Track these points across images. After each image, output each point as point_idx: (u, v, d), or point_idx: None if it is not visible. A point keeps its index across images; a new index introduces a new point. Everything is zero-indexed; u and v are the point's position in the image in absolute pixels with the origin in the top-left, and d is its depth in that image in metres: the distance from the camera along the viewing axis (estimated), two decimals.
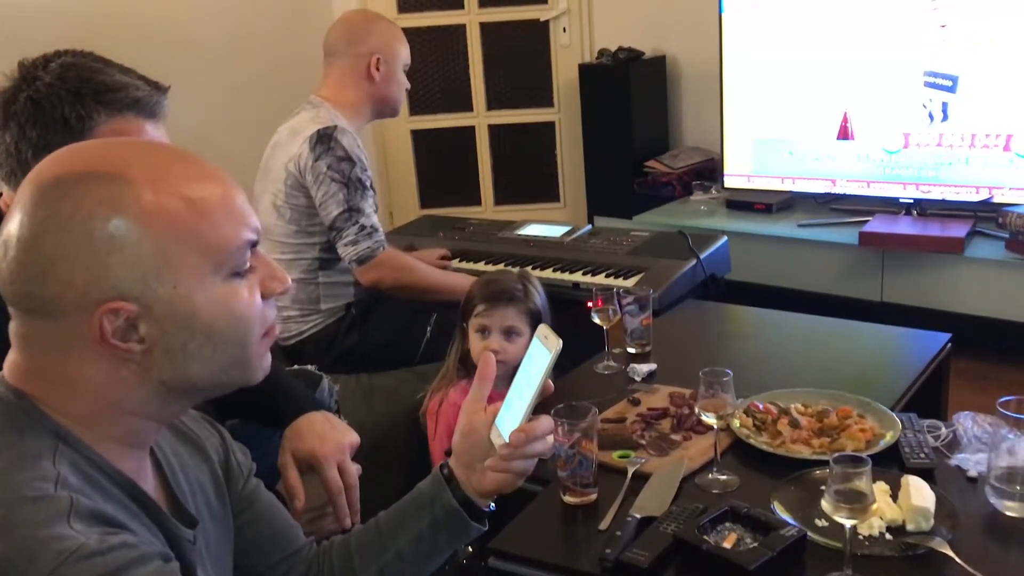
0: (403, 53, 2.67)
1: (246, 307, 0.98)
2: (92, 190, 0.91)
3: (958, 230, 3.38)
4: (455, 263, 2.99)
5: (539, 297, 2.15)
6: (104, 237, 0.90)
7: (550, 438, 1.19)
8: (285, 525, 1.27)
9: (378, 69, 2.59)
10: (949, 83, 3.42)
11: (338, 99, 2.59)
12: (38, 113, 1.35)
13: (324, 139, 2.45)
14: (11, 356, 0.97)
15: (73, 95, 1.34)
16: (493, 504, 1.24)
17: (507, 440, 1.15)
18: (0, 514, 0.84)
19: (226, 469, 1.19)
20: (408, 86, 2.72)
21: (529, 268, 2.90)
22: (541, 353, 1.18)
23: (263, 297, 1.01)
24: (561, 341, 1.15)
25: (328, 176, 2.43)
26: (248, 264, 0.99)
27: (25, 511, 0.84)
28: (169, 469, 1.07)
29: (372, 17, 2.78)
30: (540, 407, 1.19)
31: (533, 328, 2.10)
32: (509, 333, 2.09)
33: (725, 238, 3.04)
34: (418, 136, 4.79)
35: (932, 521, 1.41)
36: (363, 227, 2.46)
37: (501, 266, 2.96)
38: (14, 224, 0.92)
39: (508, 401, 1.20)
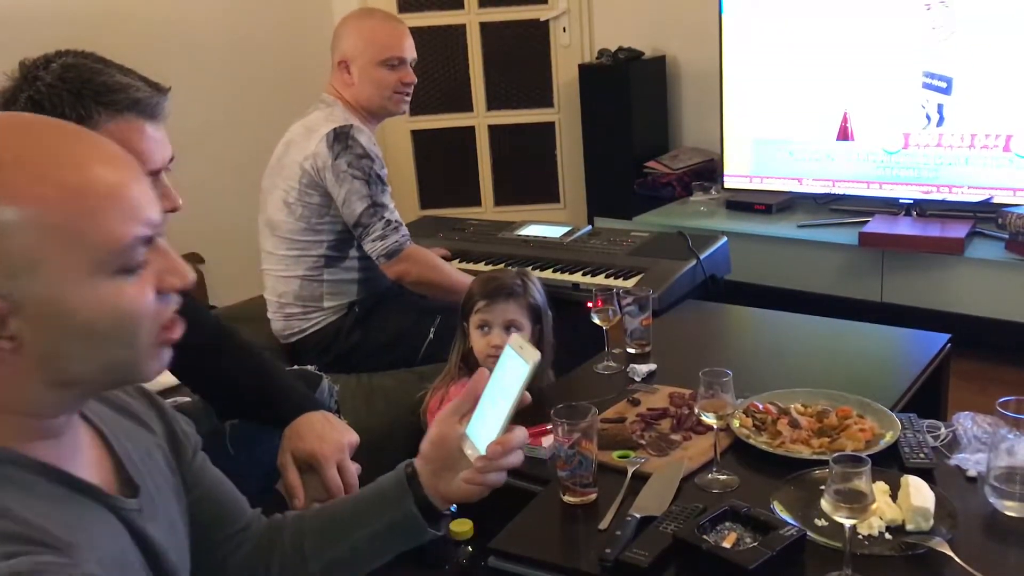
0: (372, 50, 2.55)
1: (133, 306, 0.91)
2: None
3: (958, 231, 3.38)
4: (455, 263, 2.99)
5: (538, 292, 2.15)
6: None
7: (521, 452, 1.16)
8: (233, 501, 1.25)
9: (348, 73, 2.57)
10: (944, 84, 3.42)
11: (345, 99, 2.60)
12: (38, 113, 1.35)
13: (341, 137, 2.45)
14: None
15: (73, 95, 1.34)
16: (454, 506, 1.23)
17: (482, 452, 1.13)
18: None
19: (172, 441, 1.16)
20: (408, 80, 2.61)
21: (529, 268, 2.90)
22: (517, 364, 1.14)
23: (159, 292, 0.93)
24: (539, 353, 1.12)
25: (349, 174, 2.44)
26: (141, 259, 0.91)
27: None
28: (113, 437, 1.05)
29: (346, 19, 2.69)
30: (517, 416, 1.16)
31: (534, 323, 2.12)
32: (510, 328, 2.09)
33: (725, 239, 3.04)
34: (418, 136, 4.79)
35: (932, 521, 1.41)
36: (388, 222, 2.48)
37: (501, 266, 2.96)
38: None
39: (480, 411, 1.17)
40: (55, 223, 0.86)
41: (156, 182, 1.43)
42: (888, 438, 1.68)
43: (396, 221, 2.50)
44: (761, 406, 1.81)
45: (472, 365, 2.10)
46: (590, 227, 3.32)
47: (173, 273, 0.94)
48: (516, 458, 1.15)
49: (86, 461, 0.99)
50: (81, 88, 1.35)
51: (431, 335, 2.53)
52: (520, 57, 4.67)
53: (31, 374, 0.89)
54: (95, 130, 1.35)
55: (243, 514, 1.25)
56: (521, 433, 1.15)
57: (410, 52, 2.62)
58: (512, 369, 1.15)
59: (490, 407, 1.16)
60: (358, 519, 1.22)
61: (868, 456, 1.33)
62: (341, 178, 2.44)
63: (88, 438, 1.02)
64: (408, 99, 2.66)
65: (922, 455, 1.63)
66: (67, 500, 0.92)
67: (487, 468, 1.14)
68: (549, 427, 1.73)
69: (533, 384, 2.24)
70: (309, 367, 2.00)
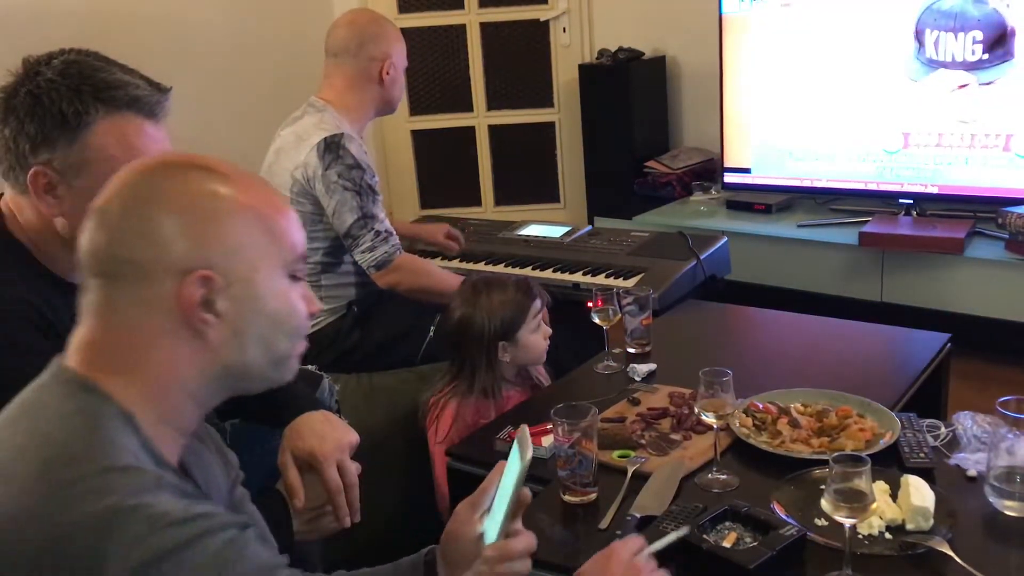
0: (405, 56, 2.68)
1: (297, 305, 1.07)
2: (195, 175, 1.02)
3: (958, 230, 3.38)
4: (455, 263, 2.99)
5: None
6: (206, 204, 1.00)
7: (528, 561, 1.16)
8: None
9: (388, 73, 2.59)
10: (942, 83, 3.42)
11: (341, 102, 2.58)
12: (36, 107, 1.35)
13: (332, 147, 2.44)
14: (80, 332, 1.01)
15: (72, 91, 1.35)
16: None
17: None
18: (93, 481, 0.88)
19: (225, 465, 1.20)
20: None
21: (529, 268, 2.91)
22: (515, 462, 1.14)
23: None
24: (532, 449, 1.12)
25: (340, 185, 2.44)
26: (301, 274, 1.09)
27: (115, 479, 0.89)
28: (188, 461, 1.09)
29: (381, 19, 2.74)
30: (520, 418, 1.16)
31: None
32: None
33: (725, 238, 3.04)
34: (418, 136, 4.79)
35: (931, 520, 1.42)
36: (378, 233, 2.47)
37: (501, 267, 2.96)
38: (116, 193, 1.00)
39: (493, 507, 1.17)
40: (266, 222, 1.03)
41: None
42: (888, 438, 1.68)
43: (386, 231, 2.50)
44: (761, 406, 1.82)
45: (496, 391, 2.13)
46: (590, 227, 3.32)
47: (308, 299, 1.10)
48: (523, 566, 1.16)
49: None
50: (80, 84, 1.35)
51: (431, 333, 2.53)
52: (520, 57, 4.67)
53: (219, 356, 1.02)
54: (92, 126, 1.36)
55: None
56: (523, 541, 1.16)
57: None
58: (512, 467, 1.15)
59: (499, 504, 1.16)
60: None
61: (868, 456, 1.33)
62: (331, 189, 2.44)
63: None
64: None
65: (922, 455, 1.63)
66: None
67: (492, 573, 1.14)
68: (549, 427, 1.73)
69: (533, 384, 2.26)
70: (309, 367, 2.00)
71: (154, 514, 0.87)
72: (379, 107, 2.65)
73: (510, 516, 1.12)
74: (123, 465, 0.91)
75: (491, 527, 1.15)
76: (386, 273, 2.50)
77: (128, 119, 1.38)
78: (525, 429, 1.17)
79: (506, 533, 1.13)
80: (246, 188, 1.04)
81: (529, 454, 1.11)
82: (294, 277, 1.07)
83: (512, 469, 1.14)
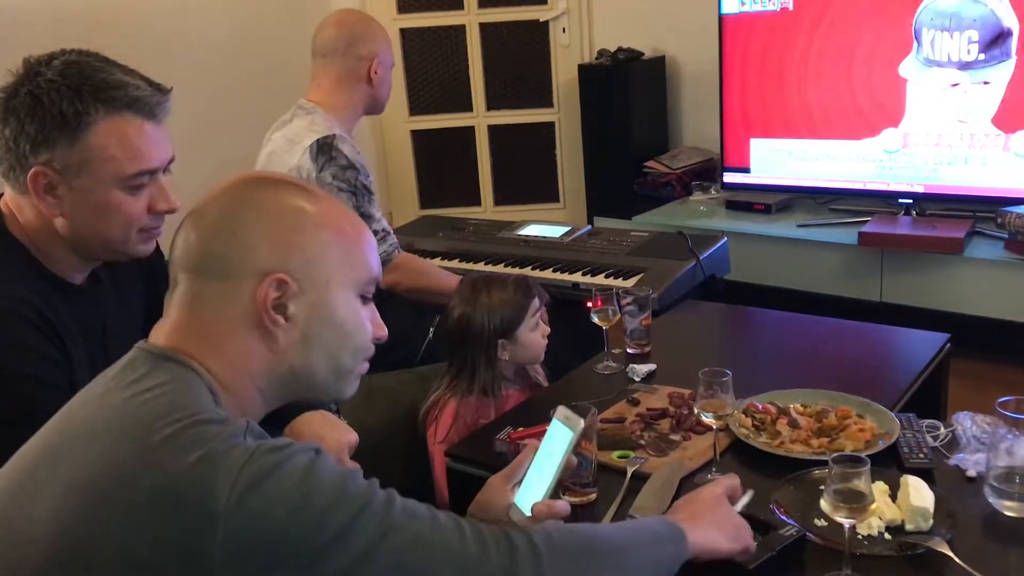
0: (393, 54, 2.69)
1: (364, 326, 1.15)
2: (287, 190, 1.12)
3: (957, 230, 3.38)
4: (455, 263, 2.99)
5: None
6: (293, 216, 1.09)
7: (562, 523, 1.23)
8: None
9: (376, 72, 2.59)
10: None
11: (330, 102, 2.57)
12: (36, 107, 1.35)
13: (325, 149, 2.44)
14: (169, 320, 1.09)
15: (72, 91, 1.35)
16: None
17: (527, 515, 1.21)
18: (192, 431, 0.97)
19: None
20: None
21: (529, 268, 2.91)
22: (563, 433, 1.23)
23: None
24: (582, 420, 1.23)
25: (335, 186, 2.44)
26: (369, 296, 1.16)
27: (210, 429, 0.97)
28: None
29: (368, 19, 2.75)
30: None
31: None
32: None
33: (725, 238, 3.04)
34: (418, 136, 4.79)
35: (931, 521, 1.41)
36: (376, 232, 2.49)
37: (501, 266, 2.96)
38: (213, 200, 1.09)
39: (528, 480, 1.25)
40: (345, 241, 1.12)
41: (154, 183, 1.43)
42: (887, 438, 1.68)
43: (384, 230, 2.51)
44: (760, 406, 1.81)
45: (497, 390, 2.12)
46: (590, 227, 3.32)
47: (378, 325, 1.20)
48: (558, 525, 1.22)
49: None
50: (80, 84, 1.36)
51: (430, 334, 2.53)
52: (520, 57, 4.67)
53: (287, 358, 1.09)
54: (92, 126, 1.36)
55: None
56: (564, 505, 1.27)
57: None
58: (559, 438, 1.24)
59: (537, 476, 1.25)
60: None
61: (867, 456, 1.33)
62: (326, 190, 2.44)
63: None
64: None
65: (921, 455, 1.63)
66: None
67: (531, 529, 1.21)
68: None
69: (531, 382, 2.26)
70: None
71: (249, 447, 0.96)
72: (368, 106, 2.64)
73: (558, 480, 1.22)
74: (216, 417, 1.00)
75: (523, 497, 1.24)
76: (385, 273, 2.49)
77: (128, 119, 1.38)
78: (562, 408, 1.28)
79: (550, 495, 1.23)
80: (332, 209, 1.13)
81: (581, 424, 1.23)
82: (364, 299, 1.15)
83: (558, 439, 1.24)
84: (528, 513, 1.19)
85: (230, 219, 1.08)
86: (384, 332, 1.19)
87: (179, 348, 1.06)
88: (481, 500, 1.29)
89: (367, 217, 2.47)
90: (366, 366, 1.18)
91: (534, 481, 1.24)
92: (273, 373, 1.10)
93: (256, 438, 1.00)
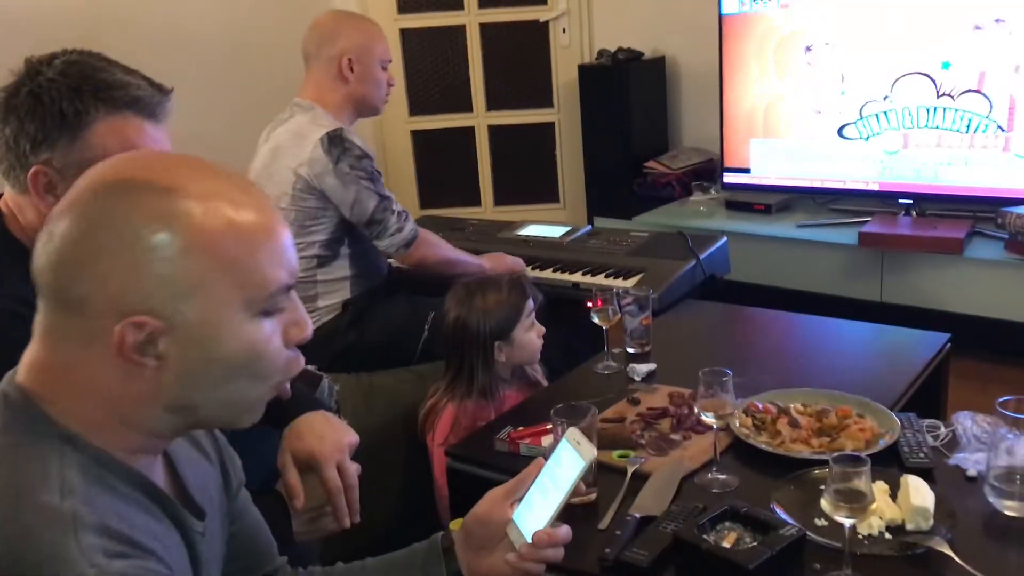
0: (378, 50, 2.62)
1: (269, 349, 0.96)
2: (147, 200, 0.90)
3: (957, 231, 3.38)
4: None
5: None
6: (148, 247, 0.89)
7: (563, 549, 1.19)
8: (266, 544, 1.27)
9: (352, 70, 2.57)
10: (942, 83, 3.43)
11: (322, 102, 2.58)
12: (37, 107, 1.35)
13: (337, 141, 2.45)
14: (31, 350, 0.96)
15: (73, 90, 1.35)
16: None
17: (528, 540, 1.16)
18: (5, 526, 0.84)
19: (223, 473, 1.18)
20: (392, 82, 2.68)
21: (529, 268, 2.91)
22: (573, 459, 1.17)
23: (283, 342, 0.98)
24: (595, 450, 1.16)
25: (354, 176, 2.45)
26: (281, 306, 0.97)
27: (29, 520, 0.84)
28: (178, 461, 1.07)
29: (341, 17, 2.74)
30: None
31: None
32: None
33: (724, 238, 3.04)
34: (418, 136, 4.79)
35: (931, 521, 1.41)
36: (399, 214, 2.53)
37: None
38: (63, 216, 0.92)
39: (529, 499, 1.20)
40: (224, 260, 0.91)
41: None
42: (888, 438, 1.68)
43: (403, 211, 2.56)
44: (761, 406, 1.82)
45: (495, 390, 2.13)
46: (590, 227, 3.32)
47: (297, 325, 0.99)
48: (558, 554, 1.18)
49: (161, 479, 1.02)
50: (81, 83, 1.35)
51: (426, 332, 2.53)
52: (520, 57, 4.67)
53: (161, 394, 0.93)
54: (91, 125, 1.36)
55: (273, 559, 1.27)
56: (566, 531, 1.18)
57: None
58: (568, 463, 1.17)
59: (540, 496, 1.19)
60: None
61: (868, 456, 1.33)
62: (347, 181, 2.45)
63: (161, 461, 1.04)
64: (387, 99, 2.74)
65: (922, 455, 1.63)
66: (153, 514, 0.96)
67: (530, 556, 1.17)
68: (549, 427, 1.73)
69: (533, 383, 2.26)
70: (309, 367, 2.00)
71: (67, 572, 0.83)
72: (356, 105, 2.62)
73: (562, 507, 1.15)
74: (37, 504, 0.85)
75: (523, 517, 1.19)
76: (414, 250, 2.55)
77: (128, 119, 1.38)
78: (574, 430, 1.21)
79: (552, 523, 1.17)
80: (211, 218, 0.91)
81: (593, 454, 1.16)
82: (267, 313, 0.95)
83: (567, 464, 1.17)
84: (528, 536, 1.15)
85: (80, 245, 0.89)
86: (306, 333, 1.00)
87: (38, 391, 0.92)
88: (479, 513, 1.22)
89: (386, 199, 2.51)
90: (281, 387, 1.01)
91: (537, 502, 1.18)
92: (152, 413, 0.94)
93: (89, 534, 0.85)
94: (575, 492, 1.17)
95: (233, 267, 0.92)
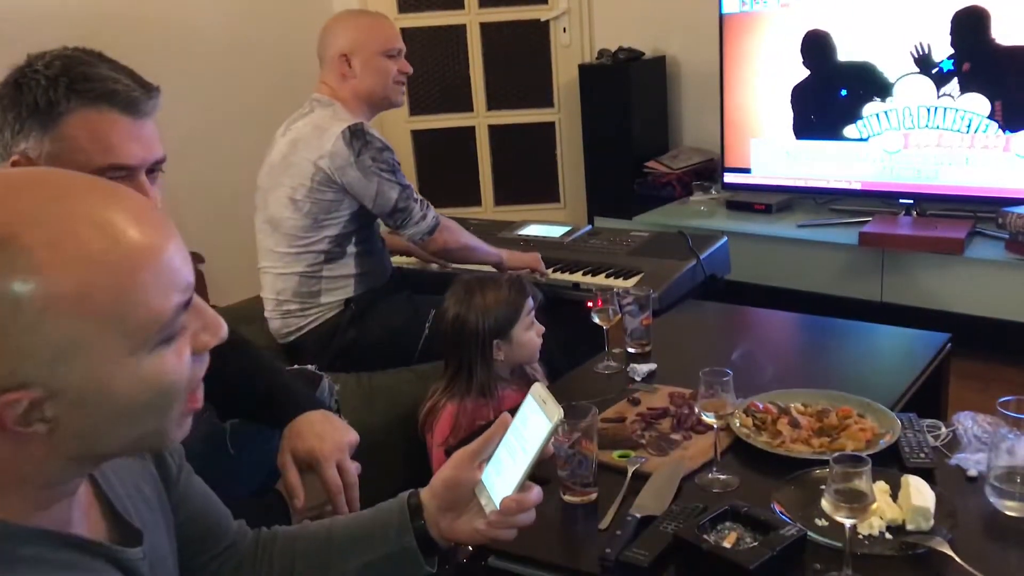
0: (375, 41, 2.60)
1: (173, 376, 0.86)
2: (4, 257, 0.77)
3: (958, 231, 3.38)
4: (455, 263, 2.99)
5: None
6: (6, 316, 0.77)
7: (534, 512, 1.15)
8: (218, 517, 1.21)
9: (349, 66, 2.59)
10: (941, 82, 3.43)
11: (339, 99, 2.60)
12: (16, 96, 1.34)
13: (358, 134, 2.47)
14: None
15: (49, 80, 1.33)
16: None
17: (497, 506, 1.13)
18: None
19: (159, 462, 1.12)
20: (405, 70, 2.66)
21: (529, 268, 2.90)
22: (539, 420, 1.12)
23: (194, 352, 0.89)
24: (562, 410, 1.10)
25: (377, 168, 2.47)
26: (180, 327, 0.86)
27: None
28: (104, 481, 1.00)
29: (341, 16, 2.76)
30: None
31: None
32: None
33: (725, 238, 3.04)
34: (418, 136, 4.79)
35: (932, 521, 1.41)
36: (421, 201, 2.56)
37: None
38: None
39: (497, 459, 1.16)
40: (94, 306, 0.79)
41: (131, 181, 1.40)
42: (888, 438, 1.68)
43: (423, 198, 2.58)
44: (761, 406, 1.81)
45: (493, 389, 2.13)
46: (590, 227, 3.32)
47: (207, 330, 0.90)
48: (529, 517, 1.15)
49: (83, 514, 0.95)
50: (59, 76, 1.34)
51: (426, 332, 2.53)
52: (520, 57, 4.67)
53: (60, 450, 0.84)
54: (64, 116, 1.34)
55: (228, 530, 1.22)
56: (537, 493, 1.14)
57: (402, 43, 2.70)
58: (534, 423, 1.12)
59: (508, 457, 1.15)
60: (354, 547, 1.20)
61: (868, 456, 1.33)
62: (369, 173, 2.46)
63: (83, 489, 0.96)
64: (405, 89, 2.72)
65: (922, 455, 1.63)
66: (74, 564, 0.90)
67: (500, 524, 1.14)
68: None
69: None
70: (309, 366, 2.00)
71: None
72: (366, 100, 2.63)
73: (531, 470, 1.11)
74: None
75: (492, 479, 1.15)
76: (438, 234, 2.58)
77: (102, 112, 1.35)
78: (539, 386, 1.15)
79: (521, 487, 1.12)
80: (69, 258, 0.78)
81: (559, 414, 1.09)
82: (165, 341, 0.85)
83: (533, 424, 1.12)
84: (497, 502, 1.12)
85: None
86: (220, 334, 0.91)
87: None
88: (446, 477, 1.17)
89: (407, 188, 2.52)
90: (194, 403, 0.92)
91: (505, 463, 1.14)
92: (54, 467, 0.86)
93: None
94: (544, 454, 1.12)
95: (107, 315, 0.80)
